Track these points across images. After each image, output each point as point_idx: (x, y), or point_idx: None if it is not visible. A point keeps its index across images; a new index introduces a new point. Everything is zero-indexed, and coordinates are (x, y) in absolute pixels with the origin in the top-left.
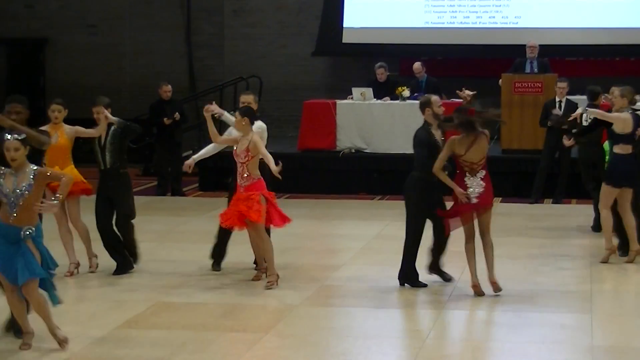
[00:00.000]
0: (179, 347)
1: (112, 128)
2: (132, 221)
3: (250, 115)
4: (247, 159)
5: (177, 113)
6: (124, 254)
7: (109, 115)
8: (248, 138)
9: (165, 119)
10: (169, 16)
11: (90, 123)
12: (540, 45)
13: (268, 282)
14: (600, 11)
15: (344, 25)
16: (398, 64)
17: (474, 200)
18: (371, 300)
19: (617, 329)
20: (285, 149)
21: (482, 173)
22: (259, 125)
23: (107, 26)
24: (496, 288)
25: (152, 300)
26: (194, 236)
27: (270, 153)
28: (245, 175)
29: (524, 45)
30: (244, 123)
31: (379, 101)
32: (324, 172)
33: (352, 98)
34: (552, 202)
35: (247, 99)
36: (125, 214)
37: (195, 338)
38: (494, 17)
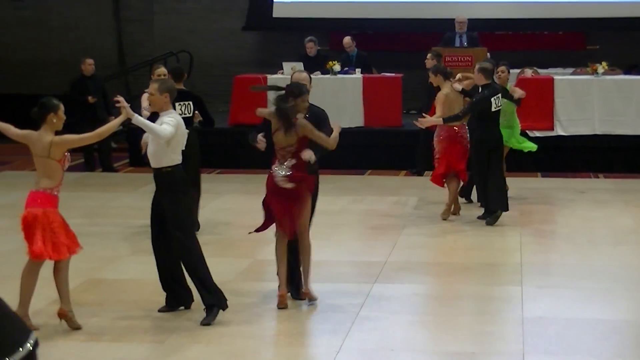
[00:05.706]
0: (110, 323)
1: None
2: None
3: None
4: None
5: (90, 97)
6: None
7: None
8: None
9: (90, 98)
10: None
11: (19, 98)
12: (469, 19)
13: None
14: None
15: (274, 0)
16: (328, 38)
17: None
18: None
19: (547, 300)
20: (217, 124)
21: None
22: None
23: (34, 1)
24: (311, 298)
25: (83, 276)
26: (125, 212)
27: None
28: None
29: (454, 19)
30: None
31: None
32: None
33: (282, 72)
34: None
35: None
36: None
37: (128, 315)
38: None
